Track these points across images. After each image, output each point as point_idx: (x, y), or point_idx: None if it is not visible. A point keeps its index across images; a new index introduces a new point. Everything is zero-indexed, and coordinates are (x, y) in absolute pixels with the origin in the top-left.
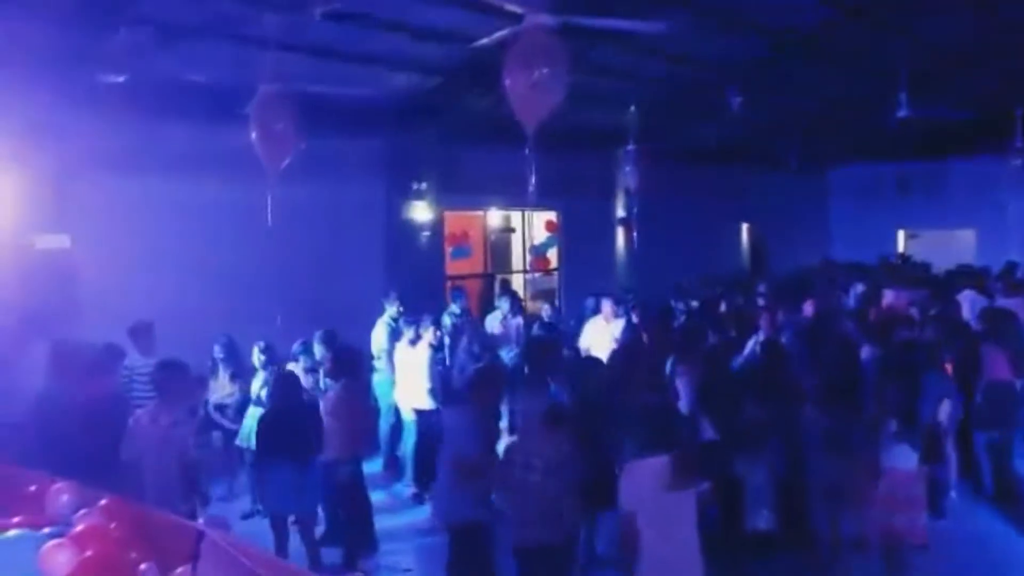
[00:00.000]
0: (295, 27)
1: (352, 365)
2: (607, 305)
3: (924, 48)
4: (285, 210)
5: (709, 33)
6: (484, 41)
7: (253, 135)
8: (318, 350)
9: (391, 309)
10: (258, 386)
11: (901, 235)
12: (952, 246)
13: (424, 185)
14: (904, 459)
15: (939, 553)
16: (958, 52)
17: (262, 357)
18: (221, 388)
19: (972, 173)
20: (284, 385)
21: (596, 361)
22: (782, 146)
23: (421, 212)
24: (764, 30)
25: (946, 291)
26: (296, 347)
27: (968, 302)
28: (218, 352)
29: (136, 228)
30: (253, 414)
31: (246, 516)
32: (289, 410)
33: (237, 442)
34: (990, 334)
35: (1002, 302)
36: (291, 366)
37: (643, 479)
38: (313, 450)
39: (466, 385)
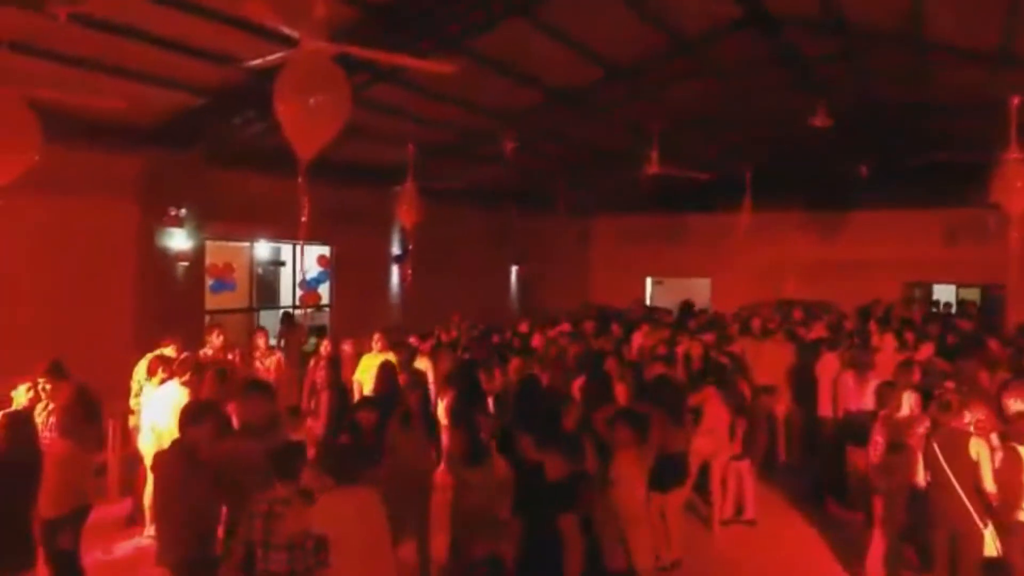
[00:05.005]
0: (34, 27)
1: (91, 407)
2: (378, 339)
3: (672, 113)
4: (15, 229)
5: (487, 80)
6: (257, 62)
7: None
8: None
9: (168, 347)
10: None
11: (648, 281)
12: (691, 292)
13: (184, 211)
14: None
15: None
16: (700, 119)
17: None
18: None
19: (709, 226)
20: (16, 428)
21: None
22: (550, 193)
23: (179, 240)
24: (539, 83)
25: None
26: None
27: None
28: None
29: None
30: None
31: None
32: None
33: None
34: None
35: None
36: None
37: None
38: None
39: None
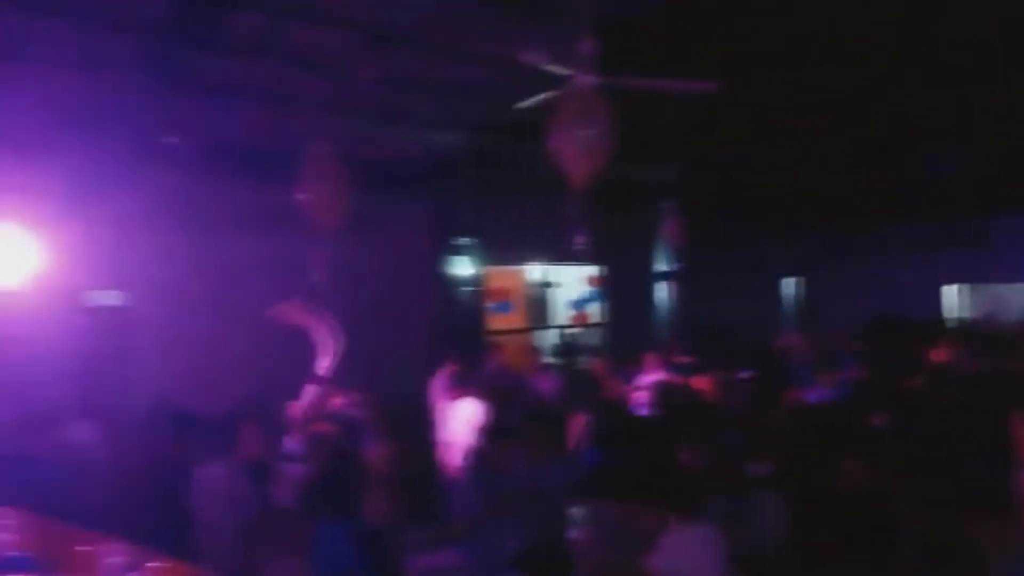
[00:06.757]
0: (339, 89)
1: (394, 423)
2: (651, 359)
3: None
4: (331, 267)
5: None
6: (529, 102)
7: (305, 196)
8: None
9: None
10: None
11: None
12: None
13: (467, 241)
14: None
15: None
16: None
17: None
18: None
19: None
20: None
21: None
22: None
23: (463, 267)
24: None
25: None
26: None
27: None
28: None
29: (191, 285)
30: None
31: None
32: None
33: None
34: None
35: None
36: None
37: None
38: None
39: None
